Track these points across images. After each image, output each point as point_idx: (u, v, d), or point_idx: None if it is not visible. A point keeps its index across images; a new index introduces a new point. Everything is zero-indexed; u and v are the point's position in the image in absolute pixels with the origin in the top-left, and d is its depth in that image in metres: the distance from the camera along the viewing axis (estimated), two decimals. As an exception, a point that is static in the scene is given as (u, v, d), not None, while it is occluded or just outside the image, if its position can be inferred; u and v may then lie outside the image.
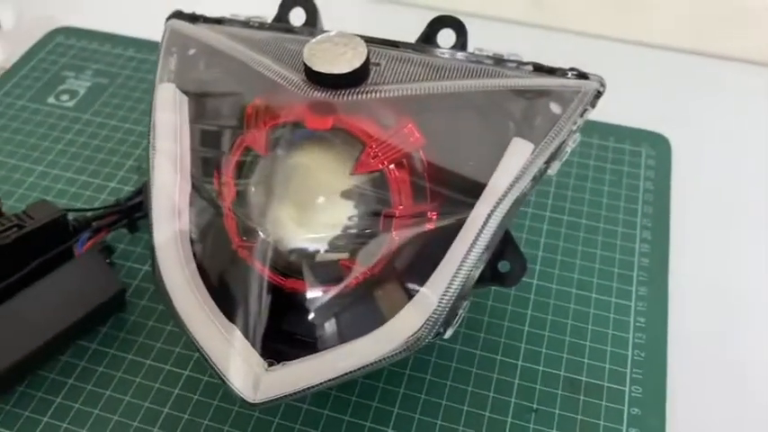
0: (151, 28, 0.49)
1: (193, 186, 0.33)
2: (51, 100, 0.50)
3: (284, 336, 0.31)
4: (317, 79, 0.30)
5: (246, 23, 0.36)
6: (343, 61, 0.30)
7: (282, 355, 0.30)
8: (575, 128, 0.32)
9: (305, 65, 0.30)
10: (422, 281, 0.30)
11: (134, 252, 0.41)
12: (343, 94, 0.30)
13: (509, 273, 0.33)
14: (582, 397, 0.35)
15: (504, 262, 0.33)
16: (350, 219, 0.31)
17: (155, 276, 0.32)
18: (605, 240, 0.42)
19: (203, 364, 0.31)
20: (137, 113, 0.49)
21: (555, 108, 0.32)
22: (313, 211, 0.32)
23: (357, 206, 0.31)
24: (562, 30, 0.57)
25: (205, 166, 0.34)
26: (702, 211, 0.45)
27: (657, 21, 0.56)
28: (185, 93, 0.35)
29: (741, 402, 0.36)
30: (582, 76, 0.33)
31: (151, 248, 0.32)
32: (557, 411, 0.35)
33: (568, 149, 0.32)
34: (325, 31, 0.32)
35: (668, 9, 0.55)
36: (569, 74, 0.33)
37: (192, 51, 0.36)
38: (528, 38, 0.55)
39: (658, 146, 0.48)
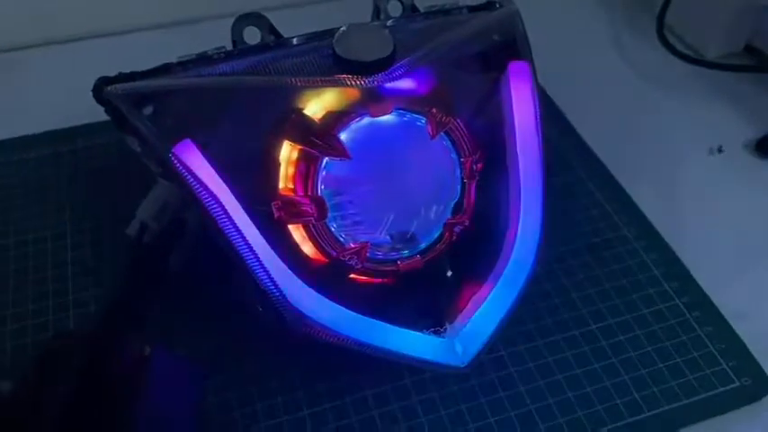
0: None
1: (274, 220, 0.32)
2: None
3: (438, 306, 0.33)
4: (364, 70, 0.31)
5: (209, 58, 0.34)
6: (380, 46, 0.31)
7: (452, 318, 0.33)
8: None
9: (346, 60, 0.31)
10: (513, 208, 0.34)
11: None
12: (392, 76, 0.31)
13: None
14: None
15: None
16: (441, 180, 0.34)
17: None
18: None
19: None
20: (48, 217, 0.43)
21: (514, 31, 0.37)
22: (414, 193, 0.34)
23: (444, 168, 0.34)
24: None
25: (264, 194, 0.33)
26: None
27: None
28: (202, 143, 0.32)
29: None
30: (501, 4, 0.39)
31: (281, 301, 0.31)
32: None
33: None
34: (328, 30, 0.33)
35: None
36: (497, 4, 0.39)
37: (180, 102, 0.33)
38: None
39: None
